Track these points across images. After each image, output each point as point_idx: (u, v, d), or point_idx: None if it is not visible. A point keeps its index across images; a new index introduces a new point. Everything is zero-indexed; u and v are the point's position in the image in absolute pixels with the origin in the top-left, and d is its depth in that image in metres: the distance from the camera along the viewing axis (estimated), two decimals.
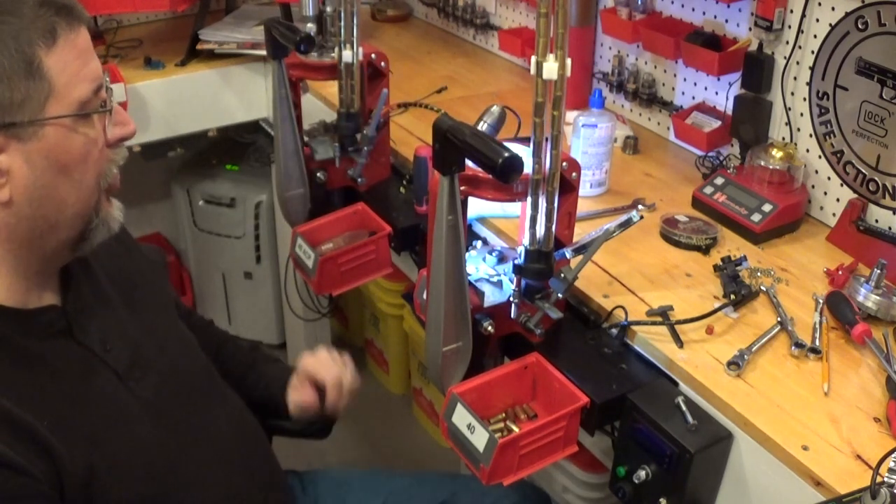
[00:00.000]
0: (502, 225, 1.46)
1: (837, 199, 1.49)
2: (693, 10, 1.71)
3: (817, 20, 1.46)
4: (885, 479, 0.89)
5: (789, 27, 1.50)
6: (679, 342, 1.18)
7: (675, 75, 1.78)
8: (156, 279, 1.23)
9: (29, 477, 0.88)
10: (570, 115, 1.61)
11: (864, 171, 1.43)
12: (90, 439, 0.96)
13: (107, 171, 0.99)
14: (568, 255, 1.19)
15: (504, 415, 1.17)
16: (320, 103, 1.94)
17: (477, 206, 1.39)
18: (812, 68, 1.48)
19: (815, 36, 1.46)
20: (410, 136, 1.80)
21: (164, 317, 1.20)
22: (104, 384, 1.01)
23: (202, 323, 1.42)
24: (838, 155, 1.47)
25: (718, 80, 1.66)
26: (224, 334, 1.44)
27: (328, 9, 1.60)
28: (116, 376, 1.03)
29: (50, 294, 1.01)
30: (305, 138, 1.63)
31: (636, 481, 1.11)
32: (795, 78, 1.52)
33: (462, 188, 1.08)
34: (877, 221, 1.42)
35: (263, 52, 2.02)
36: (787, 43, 1.51)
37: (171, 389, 1.11)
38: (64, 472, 0.91)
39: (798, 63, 1.51)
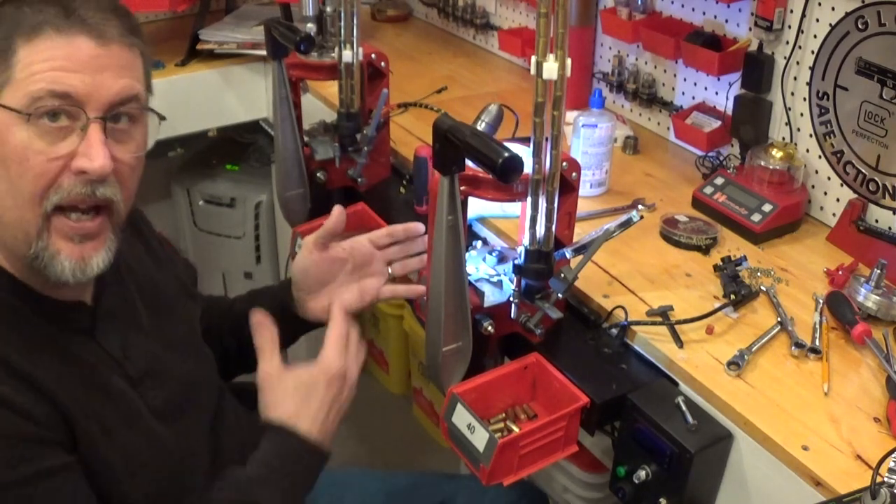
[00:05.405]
0: (502, 225, 1.46)
1: (837, 199, 1.49)
2: (693, 10, 1.71)
3: (817, 20, 1.46)
4: (885, 479, 0.89)
5: (789, 27, 1.50)
6: (679, 342, 1.18)
7: (675, 75, 1.78)
8: (182, 295, 1.23)
9: (52, 439, 0.92)
10: (570, 115, 1.61)
11: (864, 171, 1.43)
12: (102, 426, 0.97)
13: (51, 194, 0.92)
14: (568, 255, 1.18)
15: (504, 415, 1.17)
16: (320, 103, 1.94)
17: (477, 206, 1.38)
18: (812, 68, 1.48)
19: (815, 36, 1.46)
20: (410, 136, 1.80)
21: (186, 334, 1.20)
22: (117, 383, 1.02)
23: (225, 303, 1.40)
24: (838, 155, 1.47)
25: (718, 80, 1.66)
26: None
27: (328, 9, 1.61)
28: (129, 381, 1.04)
29: (87, 295, 1.04)
30: (305, 138, 1.62)
31: (636, 481, 1.11)
32: (795, 78, 1.52)
33: (462, 188, 1.08)
34: (877, 221, 1.42)
35: (263, 52, 2.02)
36: (787, 43, 1.51)
37: (181, 405, 1.11)
38: (79, 435, 0.95)
39: (798, 63, 1.51)
